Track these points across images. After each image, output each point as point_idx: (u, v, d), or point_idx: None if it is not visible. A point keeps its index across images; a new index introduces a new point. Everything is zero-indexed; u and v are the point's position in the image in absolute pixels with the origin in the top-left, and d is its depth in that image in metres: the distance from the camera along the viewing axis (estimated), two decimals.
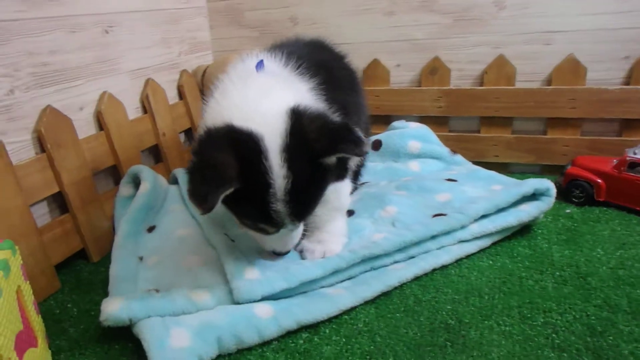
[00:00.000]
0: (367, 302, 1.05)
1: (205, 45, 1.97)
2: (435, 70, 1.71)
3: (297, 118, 0.92)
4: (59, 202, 1.30)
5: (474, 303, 1.04)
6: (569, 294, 1.04)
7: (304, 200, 0.96)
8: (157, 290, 1.05)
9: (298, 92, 1.01)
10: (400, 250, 1.15)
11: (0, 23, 1.14)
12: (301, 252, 1.17)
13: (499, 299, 1.05)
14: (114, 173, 1.50)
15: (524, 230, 1.29)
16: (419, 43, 1.73)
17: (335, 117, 0.97)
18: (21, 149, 1.19)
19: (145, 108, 1.61)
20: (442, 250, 1.18)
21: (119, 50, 1.50)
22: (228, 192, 0.88)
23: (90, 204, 1.34)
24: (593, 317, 0.97)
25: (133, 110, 1.56)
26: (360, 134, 0.91)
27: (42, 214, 1.25)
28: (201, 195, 0.86)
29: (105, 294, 1.13)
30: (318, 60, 1.15)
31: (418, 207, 1.30)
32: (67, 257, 1.27)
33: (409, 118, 1.74)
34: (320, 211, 1.13)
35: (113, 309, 0.97)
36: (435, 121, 1.74)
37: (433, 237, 1.18)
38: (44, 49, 1.25)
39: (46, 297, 1.17)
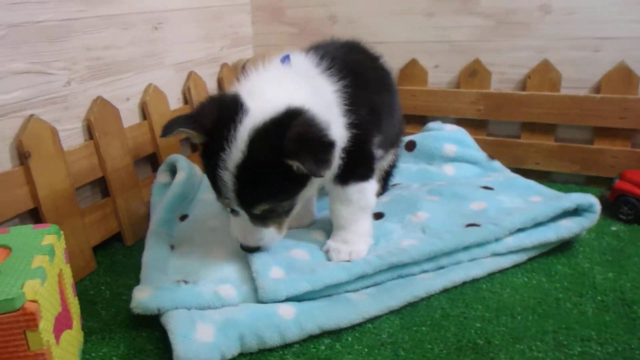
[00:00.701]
0: (391, 312, 0.95)
1: (247, 40, 1.91)
2: (475, 72, 1.58)
3: (288, 114, 0.89)
4: (100, 186, 1.28)
5: (505, 323, 0.92)
6: (610, 322, 0.91)
7: (254, 186, 0.91)
8: (186, 282, 1.00)
9: (319, 92, 0.97)
10: (429, 259, 1.04)
11: (64, 22, 1.14)
12: (327, 252, 1.09)
13: (532, 321, 0.92)
14: (153, 160, 1.46)
15: (563, 247, 1.14)
16: (459, 45, 1.60)
17: (326, 133, 0.88)
18: (71, 136, 1.18)
19: (187, 99, 1.56)
20: (473, 263, 1.06)
21: (165, 45, 1.47)
22: (193, 136, 0.93)
23: (130, 189, 1.30)
24: (637, 352, 0.83)
25: (175, 101, 1.52)
26: (330, 157, 0.85)
27: (84, 197, 1.24)
28: (167, 123, 0.91)
29: (137, 279, 1.09)
30: (351, 61, 1.09)
31: (450, 214, 1.18)
32: (104, 239, 1.25)
33: (445, 120, 1.61)
34: (345, 211, 1.08)
35: (143, 298, 0.93)
36: (473, 124, 1.61)
37: (465, 248, 1.06)
38: (99, 45, 1.24)
39: (82, 277, 1.15)
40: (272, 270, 0.99)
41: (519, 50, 1.52)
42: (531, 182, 1.32)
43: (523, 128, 1.56)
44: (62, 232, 0.90)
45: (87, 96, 1.20)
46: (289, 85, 0.95)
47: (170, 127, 0.91)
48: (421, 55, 1.64)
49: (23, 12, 1.03)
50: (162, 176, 1.38)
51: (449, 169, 1.43)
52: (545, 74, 1.48)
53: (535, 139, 1.54)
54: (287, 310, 0.91)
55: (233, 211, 0.98)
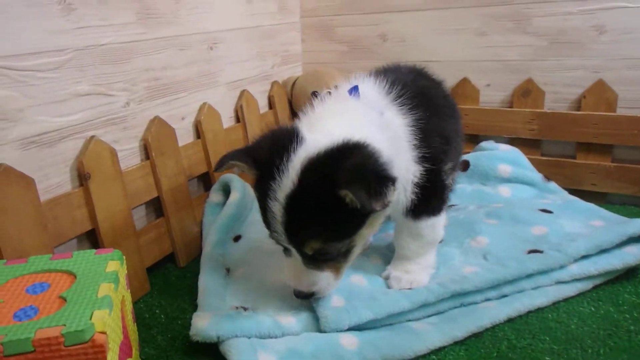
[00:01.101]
0: (456, 343, 0.92)
1: (296, 58, 1.92)
2: (528, 92, 1.54)
3: (345, 147, 0.84)
4: (153, 206, 1.28)
5: (576, 357, 0.87)
6: None
7: (304, 220, 0.85)
8: (245, 309, 0.98)
9: (387, 126, 0.93)
10: (492, 287, 1.01)
11: (125, 44, 1.15)
12: (387, 279, 1.07)
13: (604, 355, 0.88)
14: (205, 179, 1.45)
15: (629, 273, 1.09)
16: (512, 64, 1.57)
17: (385, 168, 0.83)
18: (129, 156, 1.19)
19: (239, 117, 1.56)
20: (537, 291, 1.02)
21: (219, 65, 1.47)
22: (246, 170, 0.91)
23: (183, 209, 1.30)
24: None
25: (227, 120, 1.52)
26: (385, 191, 0.78)
27: (139, 217, 1.24)
28: (221, 157, 0.92)
29: (192, 302, 1.09)
30: (421, 88, 1.04)
31: (511, 240, 1.14)
32: (157, 260, 1.24)
33: (498, 139, 1.58)
34: (413, 244, 1.06)
35: (203, 326, 0.92)
36: (526, 143, 1.57)
37: (528, 276, 1.03)
38: (157, 66, 1.25)
39: (137, 300, 1.14)
40: (332, 298, 0.97)
41: (572, 69, 1.48)
42: (591, 205, 1.28)
43: (578, 148, 1.51)
44: (124, 257, 0.89)
45: (144, 116, 1.21)
46: (352, 118, 0.91)
47: (222, 161, 0.90)
48: (473, 74, 1.62)
49: (88, 36, 1.05)
50: (215, 195, 1.37)
51: (505, 190, 1.40)
52: (600, 93, 1.44)
53: (591, 160, 1.50)
54: (350, 340, 0.89)
55: (286, 251, 0.93)
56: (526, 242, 1.13)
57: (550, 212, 1.24)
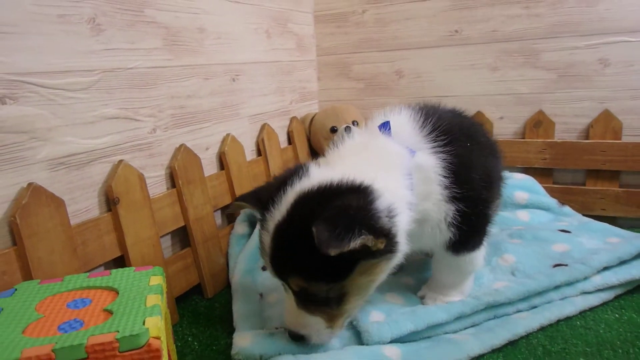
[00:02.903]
0: (493, 351, 1.01)
1: (313, 95, 2.04)
2: (539, 123, 1.69)
3: (343, 185, 0.86)
4: (179, 236, 1.32)
5: (609, 357, 0.98)
6: None
7: (287, 253, 0.87)
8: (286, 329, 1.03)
9: (418, 165, 0.95)
10: (523, 299, 1.11)
11: (152, 69, 1.21)
12: (422, 298, 1.15)
13: (635, 353, 0.98)
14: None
15: None
16: (523, 97, 1.72)
17: (372, 214, 0.83)
18: (155, 184, 1.23)
19: (260, 151, 1.65)
20: (565, 301, 1.13)
21: (242, 97, 1.56)
22: (251, 208, 0.97)
23: (210, 239, 1.36)
24: None
25: (249, 153, 1.61)
26: (349, 243, 0.76)
27: (165, 247, 1.28)
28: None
29: (225, 330, 1.13)
30: (459, 122, 1.07)
31: (537, 256, 1.26)
32: (185, 290, 1.28)
33: (512, 169, 1.72)
34: (451, 276, 1.11)
35: (245, 344, 0.96)
36: (539, 173, 1.71)
37: (556, 288, 1.14)
38: (182, 93, 1.31)
39: None
40: (371, 314, 1.04)
41: (580, 101, 1.64)
42: (605, 225, 1.41)
43: (588, 175, 1.65)
44: (164, 274, 0.92)
45: (170, 144, 1.26)
46: (370, 156, 0.94)
47: (232, 204, 1.00)
48: (487, 107, 1.77)
49: (116, 58, 1.10)
50: (240, 227, 1.44)
51: (524, 215, 1.53)
52: (607, 123, 1.59)
53: (600, 186, 1.63)
54: (393, 352, 0.95)
55: (283, 285, 0.94)
56: (550, 257, 1.25)
57: (568, 232, 1.37)
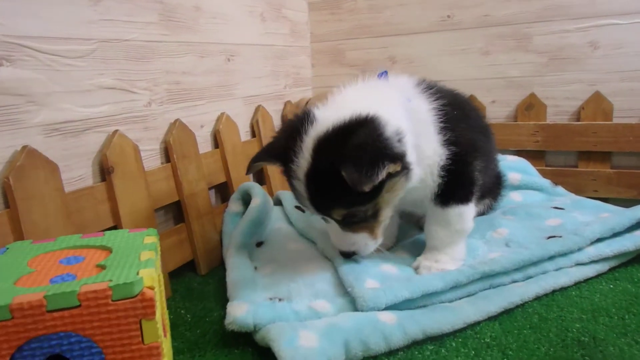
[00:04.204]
0: (490, 318, 1.00)
1: (307, 81, 2.04)
2: (531, 106, 1.70)
3: (353, 122, 0.93)
4: (173, 212, 1.31)
5: (604, 322, 0.97)
6: None
7: (324, 194, 0.97)
8: (280, 299, 1.02)
9: (412, 108, 1.02)
10: (518, 269, 1.10)
11: (148, 43, 1.22)
12: (417, 268, 1.14)
13: (630, 319, 0.98)
14: (223, 190, 1.51)
15: None
16: (515, 80, 1.73)
17: (387, 143, 0.92)
18: (149, 157, 1.23)
19: (254, 132, 1.65)
20: (560, 272, 1.12)
21: (236, 78, 1.56)
22: (271, 164, 1.05)
23: (204, 215, 1.34)
24: None
25: (243, 134, 1.60)
26: (379, 174, 0.87)
27: (159, 222, 1.27)
28: (249, 162, 1.04)
29: (219, 302, 1.11)
30: (452, 92, 1.15)
31: (530, 229, 1.26)
32: (178, 266, 1.26)
33: (505, 152, 1.71)
34: (441, 232, 1.12)
35: (240, 313, 0.94)
36: (531, 155, 1.70)
37: (550, 258, 1.13)
38: (178, 69, 1.31)
39: None
40: (366, 281, 1.03)
41: (571, 83, 1.64)
42: (598, 202, 1.42)
43: (580, 157, 1.66)
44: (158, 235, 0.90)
45: (165, 119, 1.26)
46: (369, 95, 1.02)
47: (250, 166, 1.04)
48: (479, 91, 1.77)
49: (113, 29, 1.10)
50: (234, 205, 1.43)
51: (516, 196, 1.52)
52: (597, 104, 1.60)
53: (592, 167, 1.64)
54: (389, 317, 0.94)
55: (324, 218, 1.05)
56: (544, 230, 1.24)
57: (562, 209, 1.36)
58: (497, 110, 1.77)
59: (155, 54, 1.23)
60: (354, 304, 0.99)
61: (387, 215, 1.05)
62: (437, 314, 0.97)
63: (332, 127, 0.94)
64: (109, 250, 0.80)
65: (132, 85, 1.16)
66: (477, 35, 1.74)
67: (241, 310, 0.95)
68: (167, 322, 0.92)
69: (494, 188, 1.36)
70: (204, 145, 1.42)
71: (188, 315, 1.09)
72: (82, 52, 1.04)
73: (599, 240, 1.17)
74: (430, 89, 1.09)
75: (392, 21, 1.86)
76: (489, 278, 1.08)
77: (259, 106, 1.66)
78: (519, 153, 1.72)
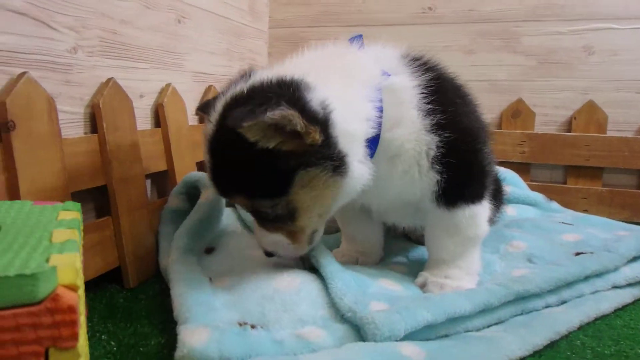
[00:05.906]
0: (534, 353, 0.74)
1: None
2: (518, 113, 1.53)
3: (275, 84, 0.74)
4: (97, 201, 0.99)
5: None
6: None
7: (224, 167, 0.77)
8: (253, 326, 0.72)
9: (392, 86, 0.81)
10: (552, 292, 0.86)
11: None
12: (422, 286, 0.88)
13: None
14: (160, 180, 1.19)
15: None
16: (500, 84, 1.56)
17: (305, 98, 0.72)
18: (70, 122, 0.92)
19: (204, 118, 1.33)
20: (598, 296, 0.90)
21: (186, 46, 1.29)
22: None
23: (138, 209, 1.02)
24: None
25: (191, 117, 1.30)
26: (263, 115, 0.66)
27: None
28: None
29: (156, 327, 0.82)
30: (438, 66, 0.92)
31: (550, 244, 1.04)
32: (99, 274, 0.93)
33: None
34: (449, 241, 0.88)
35: (199, 342, 0.66)
36: (515, 168, 1.52)
37: (586, 279, 0.90)
38: (116, 15, 1.03)
39: None
40: (370, 304, 0.75)
41: (562, 90, 1.51)
42: (606, 219, 1.24)
43: (568, 173, 1.50)
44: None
45: (95, 75, 0.96)
46: (323, 63, 0.81)
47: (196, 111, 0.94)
48: None
49: None
50: (176, 199, 1.11)
51: (510, 210, 1.29)
52: (591, 114, 1.46)
53: (581, 184, 1.49)
54: (413, 350, 0.69)
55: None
56: (566, 245, 1.03)
57: (570, 224, 1.16)
58: None
59: None
60: (358, 331, 0.73)
61: (308, 222, 0.81)
62: (473, 348, 0.71)
63: (248, 88, 0.75)
64: None
65: (50, 17, 0.86)
66: (460, 32, 1.57)
67: (200, 338, 0.66)
68: (85, 352, 0.59)
69: (496, 193, 1.09)
70: (143, 121, 1.11)
71: (112, 343, 0.78)
72: None
73: (633, 259, 0.96)
74: (418, 60, 0.86)
75: (365, 9, 1.65)
76: (521, 301, 0.83)
77: (210, 86, 1.38)
78: (502, 165, 1.52)
